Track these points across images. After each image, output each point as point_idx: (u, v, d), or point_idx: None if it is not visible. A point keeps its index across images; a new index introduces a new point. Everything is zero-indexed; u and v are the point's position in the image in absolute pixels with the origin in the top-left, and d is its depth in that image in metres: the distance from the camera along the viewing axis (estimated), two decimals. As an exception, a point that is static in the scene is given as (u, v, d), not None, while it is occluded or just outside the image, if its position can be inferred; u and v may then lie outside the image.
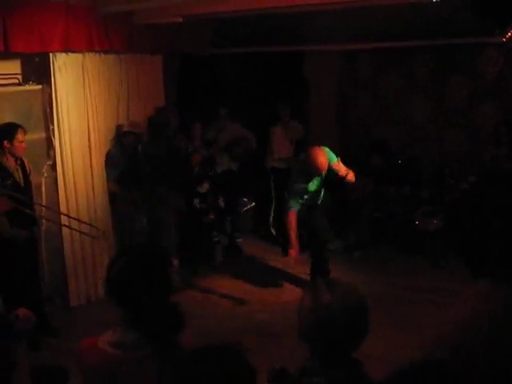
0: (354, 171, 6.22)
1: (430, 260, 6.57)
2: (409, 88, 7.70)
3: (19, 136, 4.74)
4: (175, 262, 5.63)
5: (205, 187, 6.94)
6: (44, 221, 5.19)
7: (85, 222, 5.57)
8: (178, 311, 1.98)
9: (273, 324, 5.37)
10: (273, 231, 7.66)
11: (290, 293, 5.95)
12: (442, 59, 7.35)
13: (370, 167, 7.14)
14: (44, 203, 5.35)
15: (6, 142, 4.72)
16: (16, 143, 4.73)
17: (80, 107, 5.71)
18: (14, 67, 5.39)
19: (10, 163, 4.80)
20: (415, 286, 6.04)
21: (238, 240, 7.55)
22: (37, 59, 5.41)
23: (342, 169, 5.34)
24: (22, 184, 4.88)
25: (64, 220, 5.58)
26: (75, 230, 5.59)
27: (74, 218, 5.53)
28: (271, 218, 7.59)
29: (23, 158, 4.95)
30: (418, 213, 6.56)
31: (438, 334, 1.91)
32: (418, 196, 7.00)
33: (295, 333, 1.87)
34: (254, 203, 8.05)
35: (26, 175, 4.94)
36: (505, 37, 2.73)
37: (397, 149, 7.41)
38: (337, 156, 5.46)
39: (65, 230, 5.62)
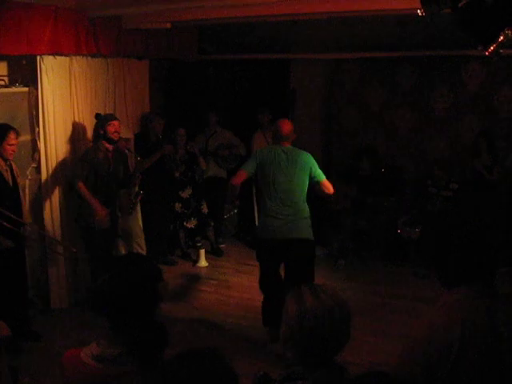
0: (338, 179, 6.28)
1: (413, 269, 6.64)
2: (393, 98, 7.78)
3: (11, 138, 4.73)
4: None
5: (187, 192, 6.95)
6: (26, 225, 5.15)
7: (61, 243, 5.56)
8: (163, 327, 1.95)
9: (255, 329, 5.38)
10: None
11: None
12: (426, 71, 7.45)
13: (356, 173, 7.20)
14: (27, 206, 5.32)
15: None
16: (6, 145, 4.73)
17: (66, 110, 5.71)
18: (0, 69, 5.37)
19: (0, 164, 4.79)
20: (398, 294, 6.11)
21: (221, 245, 7.58)
22: (24, 61, 5.40)
23: (330, 187, 4.91)
24: (11, 184, 4.87)
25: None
26: (56, 252, 5.62)
27: (54, 239, 5.55)
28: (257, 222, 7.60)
29: (11, 162, 4.94)
30: (400, 222, 6.63)
31: (412, 341, 1.96)
32: (401, 205, 7.08)
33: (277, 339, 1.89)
34: (236, 210, 8.08)
35: (14, 177, 4.94)
36: (487, 51, 2.80)
37: (381, 158, 7.49)
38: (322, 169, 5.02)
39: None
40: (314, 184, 4.88)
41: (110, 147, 5.57)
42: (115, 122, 5.58)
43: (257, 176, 4.96)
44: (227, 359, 1.49)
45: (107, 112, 6.02)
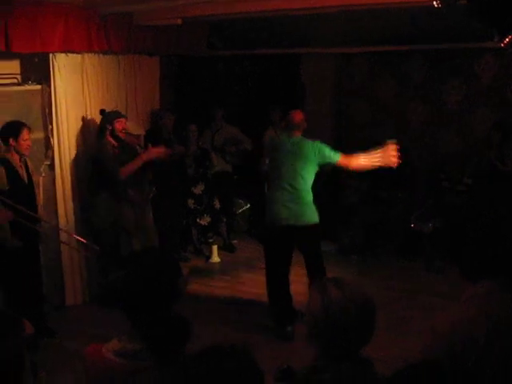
0: (350, 173, 6.22)
1: (426, 263, 6.61)
2: (404, 91, 7.74)
3: (24, 134, 4.77)
4: None
5: (199, 188, 6.95)
6: (42, 222, 5.17)
7: (83, 241, 5.50)
8: (185, 322, 1.94)
9: (271, 327, 5.36)
10: None
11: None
12: (438, 63, 7.40)
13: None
14: (41, 203, 5.34)
15: (11, 140, 4.75)
16: (21, 141, 4.76)
17: (78, 107, 5.73)
18: (13, 67, 5.40)
19: (15, 160, 4.82)
20: (412, 289, 6.07)
21: (233, 241, 7.58)
22: (36, 59, 5.41)
23: (349, 161, 5.06)
24: (26, 181, 4.90)
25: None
26: (75, 248, 5.65)
27: (77, 238, 5.50)
28: None
29: (26, 158, 4.97)
30: (413, 216, 6.60)
31: (435, 335, 1.94)
32: (414, 199, 7.04)
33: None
34: (249, 205, 8.07)
35: (29, 174, 4.97)
36: (503, 42, 2.77)
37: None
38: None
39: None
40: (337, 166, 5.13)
41: (116, 144, 5.59)
42: (123, 119, 5.63)
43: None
44: (253, 355, 1.48)
45: (118, 108, 6.04)
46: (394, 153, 5.02)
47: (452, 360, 1.77)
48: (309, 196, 5.11)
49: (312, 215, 5.10)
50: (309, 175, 5.07)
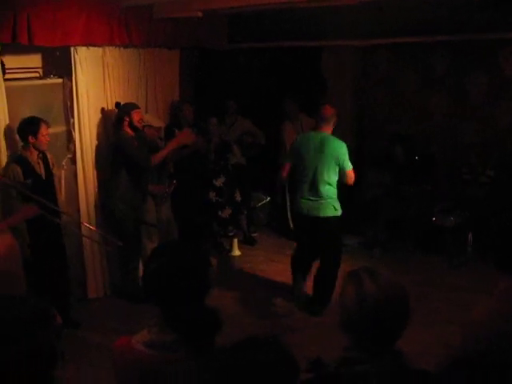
0: (372, 167, 6.24)
1: (448, 257, 6.54)
2: (426, 84, 7.65)
3: (43, 130, 4.76)
4: None
5: (220, 181, 6.95)
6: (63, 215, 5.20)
7: (105, 235, 5.56)
8: (215, 312, 1.94)
9: (293, 319, 5.41)
10: (291, 224, 7.66)
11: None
12: (461, 55, 7.31)
13: (390, 161, 7.11)
14: (63, 197, 5.37)
15: (30, 137, 4.73)
16: (40, 137, 4.75)
17: (100, 101, 5.75)
18: (34, 61, 5.43)
19: (33, 157, 4.83)
20: (434, 283, 6.01)
21: (253, 234, 7.56)
22: (57, 53, 5.43)
23: (350, 178, 5.35)
24: (44, 177, 4.91)
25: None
26: (96, 241, 5.69)
27: (100, 232, 5.57)
28: (289, 212, 7.60)
29: (47, 153, 4.98)
30: (435, 210, 6.53)
31: (474, 329, 1.91)
32: (436, 193, 6.96)
33: (317, 326, 1.86)
34: (269, 198, 8.04)
35: (48, 169, 4.97)
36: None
37: (414, 145, 7.37)
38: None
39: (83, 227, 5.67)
40: (341, 173, 5.33)
41: (134, 135, 5.63)
42: (139, 110, 5.68)
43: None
44: (287, 347, 1.47)
45: (138, 102, 6.05)
46: None
47: (491, 353, 1.75)
48: (330, 190, 5.33)
49: (331, 209, 5.36)
50: (332, 171, 5.29)
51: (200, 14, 5.74)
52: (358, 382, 1.68)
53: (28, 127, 4.75)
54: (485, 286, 5.63)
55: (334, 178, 5.32)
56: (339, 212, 5.39)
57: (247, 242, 7.41)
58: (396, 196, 6.97)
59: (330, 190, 5.32)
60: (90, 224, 5.56)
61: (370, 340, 1.78)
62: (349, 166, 5.28)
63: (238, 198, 7.08)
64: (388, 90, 7.92)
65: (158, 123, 6.13)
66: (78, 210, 5.67)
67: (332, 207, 5.34)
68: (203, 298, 1.94)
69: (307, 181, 5.33)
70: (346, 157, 5.27)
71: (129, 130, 5.59)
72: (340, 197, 5.48)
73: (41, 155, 4.89)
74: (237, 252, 7.10)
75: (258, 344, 1.47)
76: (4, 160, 4.85)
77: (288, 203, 7.41)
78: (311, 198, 5.34)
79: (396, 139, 7.21)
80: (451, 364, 1.57)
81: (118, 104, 5.72)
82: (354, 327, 1.81)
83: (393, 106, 7.92)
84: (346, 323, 1.84)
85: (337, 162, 5.24)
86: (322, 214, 5.34)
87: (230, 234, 7.11)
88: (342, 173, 5.30)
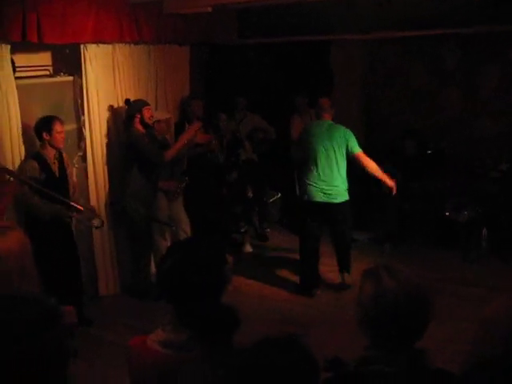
0: (382, 161, 6.19)
1: (461, 252, 6.49)
2: (436, 78, 7.58)
3: (57, 127, 4.80)
4: None
5: (232, 177, 6.92)
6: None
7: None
8: (232, 310, 1.90)
9: (306, 315, 5.37)
10: None
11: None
12: (472, 48, 7.23)
13: (400, 156, 7.05)
14: (77, 194, 5.36)
15: (45, 134, 4.79)
16: (55, 134, 4.80)
17: (110, 98, 5.74)
18: (44, 59, 5.41)
19: (50, 155, 4.87)
20: (446, 278, 5.92)
21: (266, 230, 7.54)
22: (67, 51, 5.43)
23: (367, 160, 5.51)
24: (57, 175, 4.93)
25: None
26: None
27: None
28: None
29: (63, 153, 5.02)
30: (448, 204, 6.47)
31: (486, 325, 1.88)
32: (448, 187, 6.90)
33: (333, 324, 1.83)
34: (280, 194, 8.01)
35: (63, 167, 5.00)
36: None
37: (426, 140, 7.32)
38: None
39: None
40: (353, 159, 5.51)
41: (144, 131, 5.62)
42: (150, 107, 5.71)
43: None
44: (308, 347, 1.44)
45: (149, 98, 6.04)
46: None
47: (506, 353, 1.71)
48: (339, 177, 5.54)
49: (344, 194, 5.59)
50: (340, 158, 5.50)
51: (210, 9, 5.70)
52: (378, 382, 1.65)
53: (42, 125, 4.83)
54: (499, 281, 5.62)
55: (344, 164, 5.52)
56: (347, 195, 5.63)
57: (259, 238, 7.38)
58: (407, 190, 6.91)
59: (340, 176, 5.52)
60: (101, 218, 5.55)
61: (389, 338, 1.74)
62: (358, 149, 5.47)
63: (250, 194, 7.06)
64: (396, 84, 7.86)
65: (165, 115, 6.09)
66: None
67: (344, 192, 5.57)
68: (219, 295, 1.91)
69: (318, 168, 5.50)
70: (355, 140, 5.48)
71: (140, 127, 5.60)
72: (350, 191, 5.67)
73: (57, 155, 4.94)
74: (249, 248, 7.08)
75: (278, 344, 1.44)
76: (17, 158, 4.87)
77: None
78: (323, 185, 5.51)
79: (406, 134, 7.16)
80: (473, 365, 1.54)
81: (127, 101, 5.71)
82: (372, 325, 1.78)
83: (401, 100, 7.86)
84: (363, 320, 1.80)
85: (346, 146, 5.44)
86: (336, 201, 5.53)
87: (242, 230, 7.08)
88: (352, 157, 5.48)
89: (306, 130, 5.77)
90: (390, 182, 5.65)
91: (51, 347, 1.37)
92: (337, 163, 5.49)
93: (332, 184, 5.51)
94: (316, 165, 5.51)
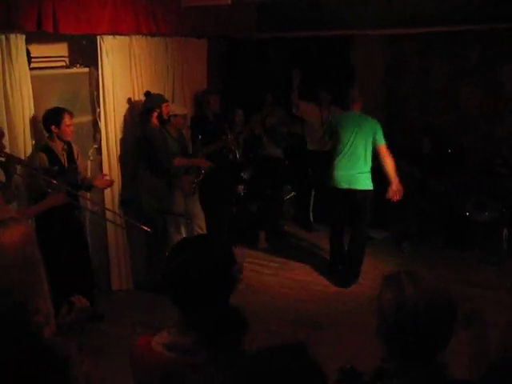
0: (401, 159, 6.12)
1: (481, 254, 6.34)
2: (458, 74, 7.44)
3: (66, 119, 4.72)
4: None
5: (249, 174, 6.84)
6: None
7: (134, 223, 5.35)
8: (240, 313, 1.81)
9: (321, 315, 5.27)
10: (311, 217, 7.56)
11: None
12: (494, 44, 7.07)
13: (419, 155, 6.92)
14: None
15: (53, 127, 4.71)
16: (64, 127, 4.72)
17: (126, 90, 5.67)
18: (60, 50, 5.36)
19: (58, 147, 4.80)
20: (465, 280, 5.76)
21: (281, 228, 7.46)
22: (84, 42, 5.36)
23: (386, 154, 5.65)
24: (66, 168, 4.86)
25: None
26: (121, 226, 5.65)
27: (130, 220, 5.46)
28: (311, 205, 7.52)
29: (72, 144, 4.95)
30: (468, 204, 6.33)
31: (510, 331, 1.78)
32: (468, 186, 6.75)
33: (347, 325, 1.72)
34: (294, 192, 7.90)
35: (71, 159, 4.93)
36: None
37: (446, 138, 7.18)
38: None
39: (107, 215, 5.62)
40: (376, 151, 5.69)
41: (160, 127, 5.59)
42: (168, 103, 5.68)
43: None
44: (314, 356, 1.35)
45: (165, 92, 5.97)
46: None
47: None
48: (365, 165, 5.73)
49: (368, 183, 5.76)
50: (367, 147, 5.69)
51: (229, 3, 5.61)
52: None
53: (51, 117, 4.73)
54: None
55: (370, 154, 5.71)
56: (371, 185, 5.78)
57: (275, 235, 7.29)
58: (426, 189, 6.78)
59: (367, 165, 5.72)
60: (115, 212, 5.54)
61: (408, 349, 1.63)
62: (382, 141, 5.65)
63: (268, 190, 6.99)
64: (418, 80, 7.74)
65: (182, 111, 6.03)
66: (103, 200, 5.61)
67: (368, 180, 5.75)
68: (226, 297, 1.82)
69: (344, 155, 5.72)
70: (381, 132, 5.67)
71: (157, 122, 5.54)
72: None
73: (65, 147, 4.86)
74: (264, 245, 6.99)
75: (283, 351, 1.35)
76: (29, 149, 4.81)
77: (312, 193, 7.37)
78: (348, 171, 5.72)
79: (425, 132, 7.04)
80: (494, 374, 1.43)
81: (148, 93, 5.64)
82: (390, 336, 1.66)
83: (422, 97, 7.74)
84: (382, 329, 1.69)
85: (373, 136, 5.63)
86: (359, 187, 5.72)
87: (258, 226, 7.01)
88: (376, 149, 5.66)
89: (336, 120, 5.95)
90: (395, 188, 5.65)
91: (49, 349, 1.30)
92: (364, 152, 5.69)
93: (357, 171, 5.71)
94: (344, 153, 5.73)
